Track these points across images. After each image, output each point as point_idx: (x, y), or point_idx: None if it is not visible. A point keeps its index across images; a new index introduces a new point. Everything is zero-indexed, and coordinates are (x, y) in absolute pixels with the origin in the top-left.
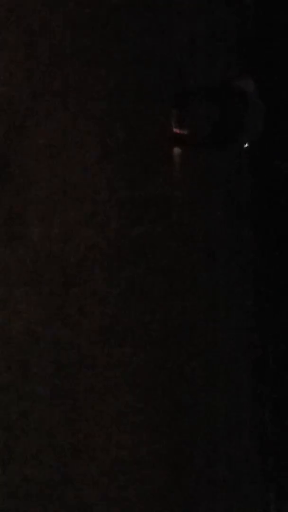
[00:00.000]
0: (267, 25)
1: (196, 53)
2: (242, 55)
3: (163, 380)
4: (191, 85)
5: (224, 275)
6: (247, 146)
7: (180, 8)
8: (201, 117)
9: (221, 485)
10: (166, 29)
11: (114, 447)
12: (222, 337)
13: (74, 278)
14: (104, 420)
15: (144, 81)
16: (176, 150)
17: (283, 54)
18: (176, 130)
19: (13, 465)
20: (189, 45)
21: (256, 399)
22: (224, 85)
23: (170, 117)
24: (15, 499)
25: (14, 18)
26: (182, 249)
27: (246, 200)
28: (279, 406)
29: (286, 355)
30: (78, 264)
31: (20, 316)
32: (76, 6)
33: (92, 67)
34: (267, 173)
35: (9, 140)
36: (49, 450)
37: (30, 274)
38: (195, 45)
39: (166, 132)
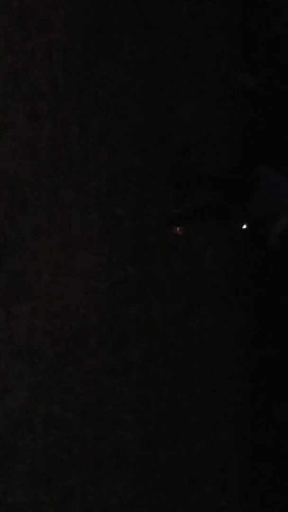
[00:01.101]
0: (271, 108)
1: (199, 134)
2: (246, 138)
3: (154, 460)
4: (193, 170)
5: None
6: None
7: (185, 90)
8: (201, 199)
9: None
10: (169, 110)
11: None
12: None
13: (66, 355)
14: (93, 500)
15: (146, 162)
16: (174, 231)
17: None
18: (175, 210)
19: None
20: (193, 126)
21: None
22: (228, 171)
23: (170, 197)
24: None
25: (20, 98)
26: (176, 327)
27: (243, 280)
28: None
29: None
30: (72, 341)
31: (12, 392)
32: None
33: (95, 146)
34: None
35: (11, 215)
36: None
37: (24, 350)
38: (198, 126)
39: (165, 212)
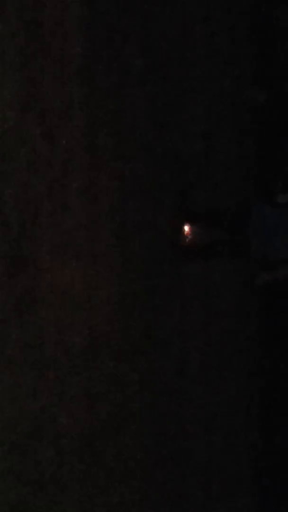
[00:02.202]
0: (282, 123)
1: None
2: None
3: (161, 469)
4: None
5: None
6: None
7: (190, 110)
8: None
9: None
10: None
11: None
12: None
13: (79, 365)
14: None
15: (153, 176)
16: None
17: None
18: (182, 241)
19: None
20: (200, 148)
21: None
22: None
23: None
24: None
25: (32, 117)
26: (184, 339)
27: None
28: None
29: None
30: (84, 351)
31: (24, 401)
32: (93, 108)
33: (105, 166)
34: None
35: (24, 230)
36: None
37: (37, 358)
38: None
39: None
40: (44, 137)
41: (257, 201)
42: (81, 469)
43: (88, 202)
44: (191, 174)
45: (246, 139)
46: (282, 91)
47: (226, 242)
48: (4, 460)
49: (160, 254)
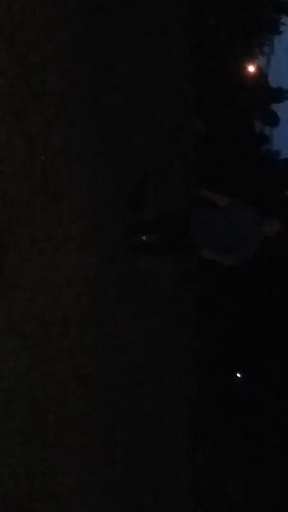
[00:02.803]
0: (217, 148)
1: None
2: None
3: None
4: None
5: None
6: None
7: (138, 141)
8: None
9: None
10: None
11: (75, 490)
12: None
13: (52, 337)
14: (64, 467)
15: (113, 188)
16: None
17: (233, 171)
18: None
19: None
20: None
21: None
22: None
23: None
24: None
25: (18, 125)
26: (143, 312)
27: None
28: None
29: None
30: (57, 326)
31: (6, 364)
32: (69, 123)
33: (79, 174)
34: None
35: (9, 227)
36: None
37: (18, 332)
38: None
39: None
40: (27, 154)
41: (196, 206)
42: (51, 422)
43: (61, 207)
44: (142, 185)
45: (187, 159)
46: (218, 121)
47: (171, 241)
48: None
49: (116, 250)
